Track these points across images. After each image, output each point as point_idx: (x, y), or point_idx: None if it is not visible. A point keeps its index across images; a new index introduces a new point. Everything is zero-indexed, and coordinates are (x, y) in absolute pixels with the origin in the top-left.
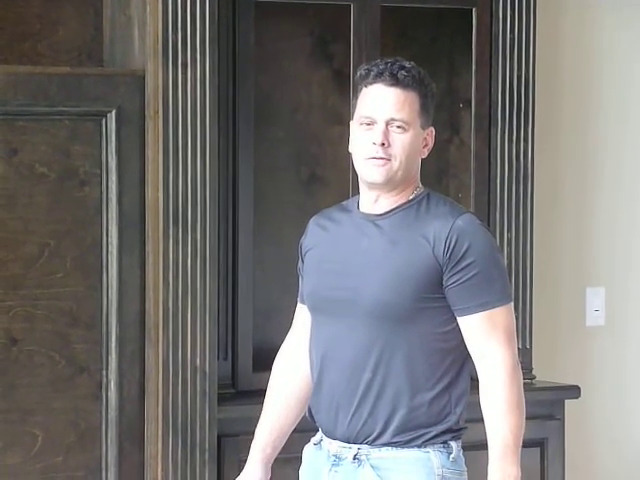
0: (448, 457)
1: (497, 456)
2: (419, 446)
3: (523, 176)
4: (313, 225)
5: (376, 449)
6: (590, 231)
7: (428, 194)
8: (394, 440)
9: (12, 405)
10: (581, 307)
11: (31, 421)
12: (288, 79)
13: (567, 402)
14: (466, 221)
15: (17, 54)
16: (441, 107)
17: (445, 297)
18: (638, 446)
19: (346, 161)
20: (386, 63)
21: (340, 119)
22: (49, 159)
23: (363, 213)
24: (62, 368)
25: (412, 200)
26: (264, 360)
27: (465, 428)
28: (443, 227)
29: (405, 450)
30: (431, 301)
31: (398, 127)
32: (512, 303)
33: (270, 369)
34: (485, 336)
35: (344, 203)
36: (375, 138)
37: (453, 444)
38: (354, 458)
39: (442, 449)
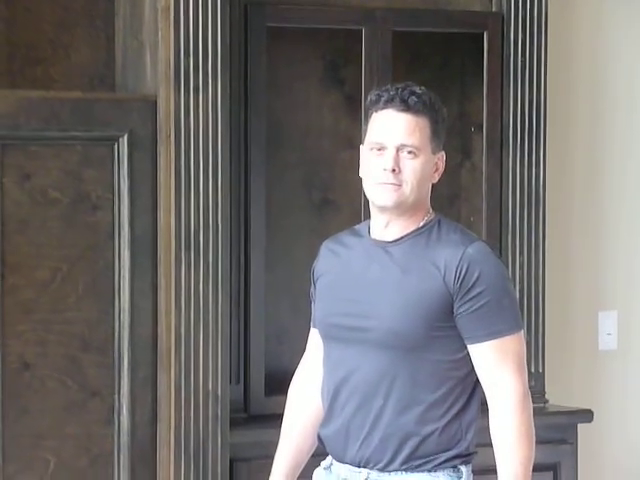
0: (459, 476)
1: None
2: (429, 470)
3: (535, 200)
4: (325, 250)
5: (386, 474)
6: (603, 254)
7: (439, 220)
8: (404, 467)
9: (24, 430)
10: (594, 331)
11: (43, 445)
12: (300, 103)
13: (580, 426)
14: (477, 249)
15: (30, 79)
16: (453, 131)
17: (456, 326)
18: None
19: (357, 185)
20: (397, 89)
21: (351, 143)
22: (61, 184)
23: (374, 239)
24: (74, 393)
25: (423, 227)
26: (276, 384)
27: (475, 453)
28: (454, 255)
29: (415, 474)
30: (442, 330)
31: (409, 152)
32: (523, 331)
33: (281, 393)
34: (495, 364)
35: (356, 227)
36: (386, 164)
37: (463, 468)
38: None
39: (452, 473)
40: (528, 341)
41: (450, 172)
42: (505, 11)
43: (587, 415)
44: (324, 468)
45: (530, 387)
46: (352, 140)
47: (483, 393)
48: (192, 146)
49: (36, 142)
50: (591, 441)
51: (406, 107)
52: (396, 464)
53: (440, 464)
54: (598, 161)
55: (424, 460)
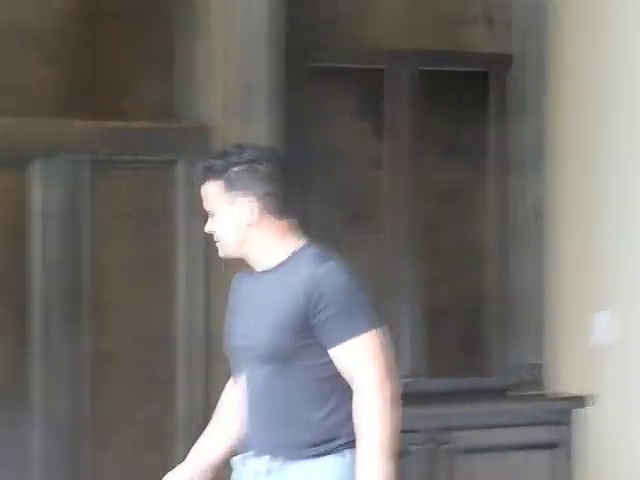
0: (344, 459)
1: (365, 455)
2: (319, 455)
3: (537, 212)
4: (231, 286)
5: (281, 460)
6: (600, 252)
7: (305, 247)
8: (301, 455)
9: (106, 414)
10: (589, 326)
11: (117, 430)
12: (333, 132)
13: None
14: (324, 269)
15: (104, 109)
16: (468, 154)
17: (316, 334)
18: None
19: (383, 200)
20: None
21: (378, 164)
22: (132, 202)
23: (257, 271)
24: (146, 381)
25: (292, 255)
26: None
27: (352, 442)
28: (306, 277)
29: (306, 461)
30: (307, 339)
31: (211, 215)
32: (377, 329)
33: None
34: (350, 362)
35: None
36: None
37: (348, 452)
38: (269, 471)
39: (339, 457)
40: (529, 335)
41: (464, 189)
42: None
43: (582, 401)
44: (240, 460)
45: (531, 376)
46: (378, 162)
47: None
48: None
49: (111, 166)
50: (591, 426)
51: (202, 181)
52: (293, 452)
53: (328, 451)
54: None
55: (314, 449)
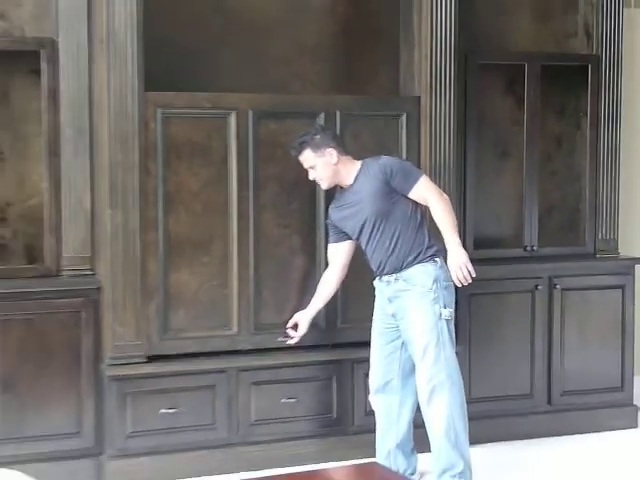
0: (437, 264)
1: (449, 234)
2: (421, 262)
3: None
4: (330, 209)
5: (399, 272)
6: None
7: (363, 163)
8: (408, 266)
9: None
10: None
11: None
12: (491, 106)
13: None
14: (383, 159)
15: (355, 90)
16: (572, 116)
17: (398, 192)
18: None
19: (522, 138)
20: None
21: (517, 122)
22: (371, 140)
23: (347, 186)
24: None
25: (360, 169)
26: None
27: (440, 252)
28: (376, 168)
29: (414, 267)
30: (393, 197)
31: (311, 169)
32: (423, 175)
33: None
34: (422, 193)
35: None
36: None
37: (437, 259)
38: (396, 280)
39: (432, 262)
40: (608, 223)
41: (572, 135)
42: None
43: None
44: (378, 279)
45: (609, 246)
46: (518, 121)
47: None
48: (437, 125)
49: (359, 120)
50: None
51: (298, 151)
52: (401, 269)
53: (424, 260)
54: None
55: (416, 260)
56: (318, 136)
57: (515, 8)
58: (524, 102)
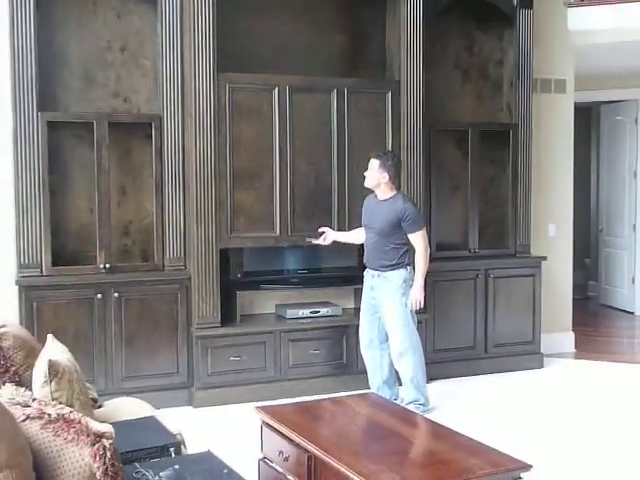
0: (407, 270)
1: (419, 276)
2: (396, 268)
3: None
4: (366, 200)
5: (381, 271)
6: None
7: (397, 194)
8: (387, 269)
9: None
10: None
11: None
12: (445, 158)
13: None
14: (405, 205)
15: (352, 72)
16: (498, 164)
17: (402, 228)
18: None
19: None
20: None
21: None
22: (366, 107)
23: (379, 199)
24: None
25: (392, 196)
26: None
27: (410, 264)
28: (398, 207)
29: (392, 270)
30: (397, 229)
31: (370, 170)
32: (423, 229)
33: None
34: (414, 240)
35: (375, 192)
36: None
37: (408, 267)
38: (378, 275)
39: (403, 269)
40: (522, 232)
41: (499, 177)
42: None
43: (543, 257)
44: (366, 270)
45: (523, 250)
46: (464, 166)
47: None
48: (410, 169)
49: (363, 92)
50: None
51: (373, 157)
52: (383, 269)
53: (398, 266)
54: None
55: (394, 266)
56: (390, 162)
57: (461, 93)
58: (469, 154)
